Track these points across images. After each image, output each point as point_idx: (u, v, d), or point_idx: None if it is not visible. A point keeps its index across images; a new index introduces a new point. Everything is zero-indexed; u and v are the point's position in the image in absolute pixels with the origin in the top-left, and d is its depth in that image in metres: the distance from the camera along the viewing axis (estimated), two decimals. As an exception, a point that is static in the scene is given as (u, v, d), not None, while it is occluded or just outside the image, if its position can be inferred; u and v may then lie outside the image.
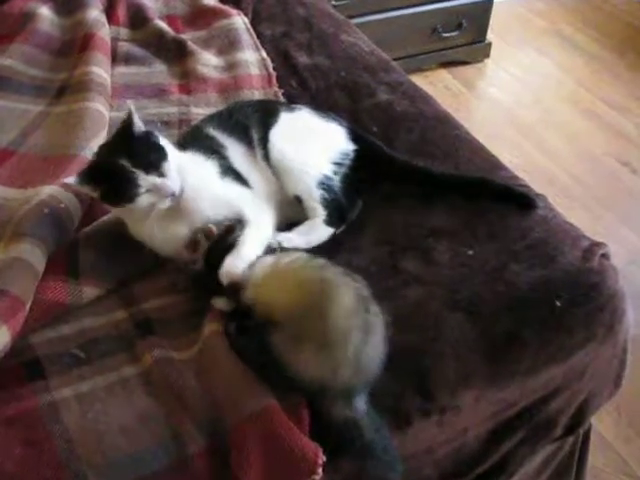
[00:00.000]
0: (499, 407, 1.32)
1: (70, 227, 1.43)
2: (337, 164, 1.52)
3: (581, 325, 1.33)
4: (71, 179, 1.30)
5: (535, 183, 1.63)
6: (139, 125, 1.31)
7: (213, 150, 1.44)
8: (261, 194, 1.45)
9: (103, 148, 1.37)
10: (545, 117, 3.37)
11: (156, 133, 1.34)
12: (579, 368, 1.37)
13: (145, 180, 1.26)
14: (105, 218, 1.46)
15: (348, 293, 1.13)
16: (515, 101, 3.48)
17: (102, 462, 1.08)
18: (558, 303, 1.32)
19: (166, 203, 1.29)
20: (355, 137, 1.58)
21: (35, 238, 1.33)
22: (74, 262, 1.37)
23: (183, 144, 1.45)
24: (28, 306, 1.25)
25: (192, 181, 1.34)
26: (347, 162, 1.53)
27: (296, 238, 1.43)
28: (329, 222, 1.46)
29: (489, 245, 1.44)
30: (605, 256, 1.44)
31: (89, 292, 1.33)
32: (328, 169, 1.50)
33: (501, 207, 1.52)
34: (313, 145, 1.54)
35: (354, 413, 1.12)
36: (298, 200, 1.48)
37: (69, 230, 1.42)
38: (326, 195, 1.47)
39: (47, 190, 1.45)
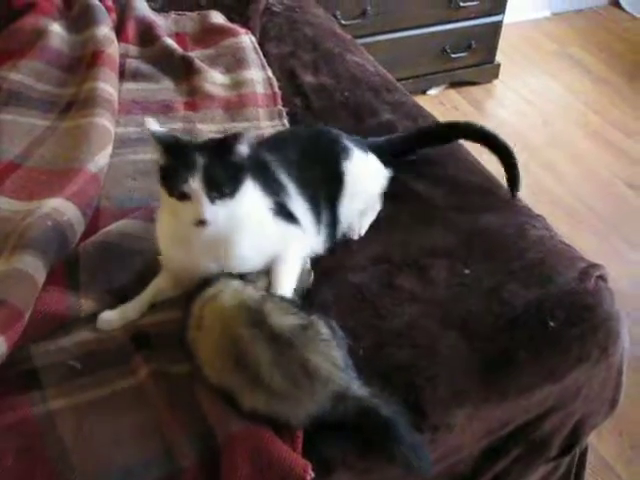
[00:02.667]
0: (492, 426, 1.32)
1: (72, 240, 1.45)
2: None
3: (575, 346, 1.33)
4: (155, 124, 1.26)
5: (541, 204, 1.65)
6: (243, 151, 1.25)
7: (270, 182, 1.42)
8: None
9: (204, 141, 1.32)
10: (552, 139, 3.37)
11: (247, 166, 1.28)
12: (573, 388, 1.37)
13: (191, 185, 1.19)
14: (106, 230, 1.48)
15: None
16: (523, 122, 3.49)
17: (95, 474, 1.09)
18: (552, 323, 1.33)
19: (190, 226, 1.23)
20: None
21: (37, 250, 1.35)
22: (75, 274, 1.39)
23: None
24: (27, 316, 1.27)
25: (244, 217, 1.29)
26: None
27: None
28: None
29: (486, 264, 1.45)
30: (602, 278, 1.44)
31: (88, 305, 1.35)
32: None
33: (499, 227, 1.54)
34: None
35: (358, 402, 1.13)
36: None
37: (71, 243, 1.45)
38: None
39: (51, 203, 1.48)
